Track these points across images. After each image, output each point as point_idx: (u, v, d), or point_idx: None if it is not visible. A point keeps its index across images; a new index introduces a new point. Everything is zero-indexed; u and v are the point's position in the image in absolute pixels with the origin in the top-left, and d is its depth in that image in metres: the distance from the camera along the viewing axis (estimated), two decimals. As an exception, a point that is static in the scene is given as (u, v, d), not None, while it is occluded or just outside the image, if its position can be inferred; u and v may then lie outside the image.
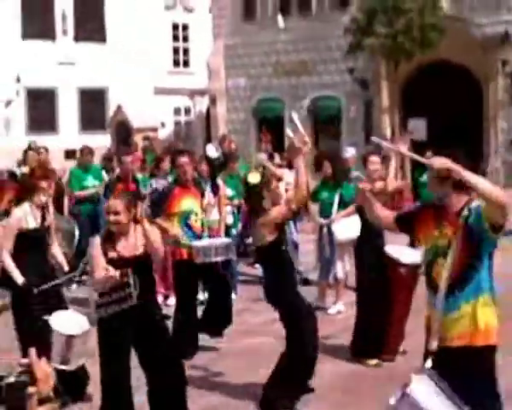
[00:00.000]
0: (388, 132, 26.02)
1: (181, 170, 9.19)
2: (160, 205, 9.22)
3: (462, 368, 4.70)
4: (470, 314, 4.70)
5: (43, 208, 7.39)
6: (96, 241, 6.12)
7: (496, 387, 4.79)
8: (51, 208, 7.65)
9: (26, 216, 7.21)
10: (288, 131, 5.70)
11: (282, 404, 6.97)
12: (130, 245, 6.11)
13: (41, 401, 1.35)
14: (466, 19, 26.12)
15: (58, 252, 7.64)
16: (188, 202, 9.00)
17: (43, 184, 7.36)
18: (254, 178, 7.46)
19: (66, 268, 7.54)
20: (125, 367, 6.17)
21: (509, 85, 26.62)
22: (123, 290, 6.01)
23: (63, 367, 6.77)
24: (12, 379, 1.39)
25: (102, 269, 5.85)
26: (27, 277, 7.10)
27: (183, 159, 9.36)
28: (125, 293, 6.01)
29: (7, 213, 11.39)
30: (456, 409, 4.48)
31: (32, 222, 7.24)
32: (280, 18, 30.49)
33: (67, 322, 6.70)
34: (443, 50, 25.25)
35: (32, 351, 1.42)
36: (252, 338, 9.00)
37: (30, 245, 7.23)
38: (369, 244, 8.44)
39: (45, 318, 6.76)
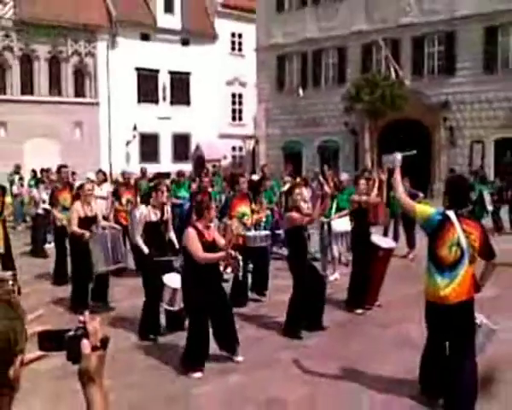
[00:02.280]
0: (369, 164, 25.86)
1: (240, 186, 9.23)
2: (225, 209, 9.32)
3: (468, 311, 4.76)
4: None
5: (162, 207, 7.29)
6: (191, 231, 5.97)
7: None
8: (168, 208, 7.50)
9: (149, 213, 7.14)
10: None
11: (295, 331, 7.02)
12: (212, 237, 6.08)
13: (93, 349, 1.32)
14: (421, 91, 25.90)
15: (173, 237, 7.48)
16: (242, 208, 8.97)
17: (160, 193, 7.25)
18: (284, 188, 7.49)
19: (177, 246, 7.42)
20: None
21: (448, 134, 26.33)
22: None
23: (170, 308, 6.86)
24: (72, 333, 1.34)
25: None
26: (150, 250, 7.02)
27: (242, 179, 9.52)
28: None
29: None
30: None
31: (154, 217, 7.16)
32: (300, 89, 30.47)
33: (174, 280, 6.72)
34: (406, 112, 25.08)
35: (87, 312, 1.37)
36: (280, 295, 9.00)
37: (152, 231, 7.12)
38: (360, 236, 8.35)
39: (161, 277, 6.83)
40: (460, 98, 25.84)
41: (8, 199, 9.77)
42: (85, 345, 1.31)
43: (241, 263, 6.06)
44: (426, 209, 4.99)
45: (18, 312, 1.13)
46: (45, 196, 13.84)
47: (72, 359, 1.34)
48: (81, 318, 1.35)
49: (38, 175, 16.59)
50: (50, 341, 1.32)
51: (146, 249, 7.04)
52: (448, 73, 26.30)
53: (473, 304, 4.80)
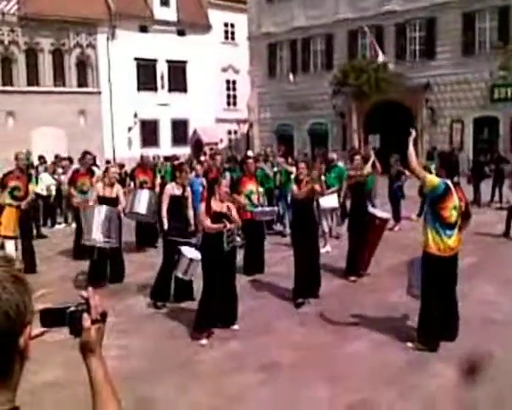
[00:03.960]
0: (356, 144, 25.89)
1: (249, 167, 9.44)
2: (232, 186, 9.44)
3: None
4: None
5: (183, 186, 7.49)
6: (202, 205, 6.20)
7: None
8: (188, 188, 7.66)
9: (173, 188, 7.42)
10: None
11: (301, 294, 7.16)
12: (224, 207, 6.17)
13: (92, 322, 1.32)
14: (403, 74, 25.83)
15: (190, 213, 7.58)
16: (250, 186, 9.16)
17: (183, 173, 7.52)
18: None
19: (192, 221, 7.59)
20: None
21: (430, 114, 26.33)
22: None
23: (183, 277, 6.92)
24: (73, 308, 1.34)
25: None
26: (171, 222, 7.27)
27: (250, 161, 9.79)
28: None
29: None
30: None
31: (177, 191, 7.41)
32: (291, 75, 30.31)
33: (190, 252, 6.81)
34: (390, 94, 25.05)
35: (90, 288, 1.37)
36: (275, 267, 9.09)
37: (174, 204, 7.36)
38: (358, 208, 8.43)
39: (178, 247, 6.93)
40: (440, 80, 25.79)
41: (32, 186, 9.72)
42: (86, 319, 1.32)
43: (231, 228, 6.13)
44: (434, 179, 5.49)
45: (26, 286, 1.14)
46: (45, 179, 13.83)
47: (75, 332, 1.34)
48: (84, 294, 1.36)
49: (48, 161, 16.53)
50: (52, 317, 1.32)
51: (166, 224, 7.33)
52: (429, 57, 26.21)
53: None
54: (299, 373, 5.13)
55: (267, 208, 9.38)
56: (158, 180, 11.92)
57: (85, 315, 1.33)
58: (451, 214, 5.36)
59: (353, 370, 5.16)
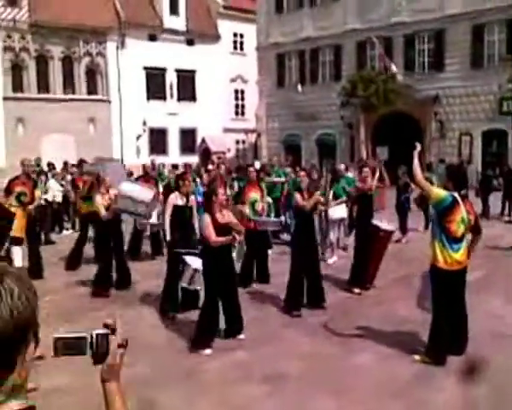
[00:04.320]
0: (364, 155, 25.85)
1: (250, 175, 9.40)
2: (238, 196, 9.43)
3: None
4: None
5: (187, 195, 7.44)
6: (207, 217, 6.03)
7: None
8: (192, 196, 7.58)
9: (176, 198, 7.34)
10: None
11: (294, 304, 7.17)
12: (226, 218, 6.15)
13: (119, 346, 1.30)
14: (412, 86, 25.82)
15: (195, 222, 7.54)
16: (254, 195, 9.09)
17: (187, 182, 7.47)
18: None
19: (198, 232, 7.48)
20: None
21: (438, 127, 26.28)
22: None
23: (188, 287, 6.88)
24: (99, 332, 1.30)
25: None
26: (175, 232, 7.21)
27: (251, 169, 9.72)
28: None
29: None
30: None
31: (180, 202, 7.35)
32: (299, 86, 30.37)
33: (194, 261, 6.74)
34: (398, 106, 25.05)
35: (116, 314, 1.35)
36: (282, 278, 9.08)
37: (178, 214, 7.29)
38: (363, 219, 8.40)
39: (183, 257, 6.90)
40: (449, 93, 25.76)
41: (38, 192, 9.78)
42: (113, 341, 1.29)
43: (237, 240, 6.13)
44: (440, 192, 5.47)
45: (32, 287, 1.11)
46: (52, 186, 13.91)
47: (97, 358, 1.29)
48: (109, 321, 1.32)
49: (57, 169, 16.63)
50: (67, 346, 1.26)
51: (169, 235, 7.29)
52: (438, 69, 26.20)
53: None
54: (305, 385, 5.09)
55: (271, 218, 9.29)
56: (160, 189, 11.79)
57: (113, 337, 1.30)
58: (459, 228, 5.29)
59: (359, 382, 5.12)
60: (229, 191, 9.85)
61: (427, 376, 5.19)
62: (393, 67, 25.04)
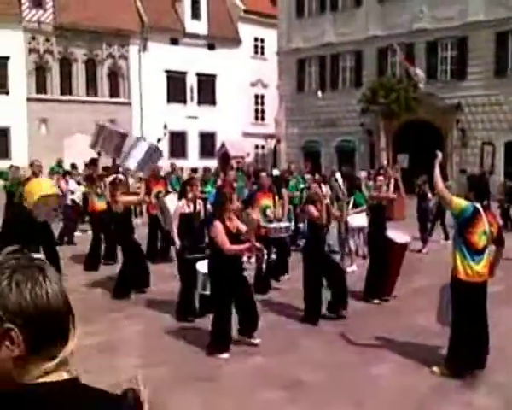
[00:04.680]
0: (384, 162, 25.71)
1: (262, 181, 9.29)
2: (249, 202, 9.36)
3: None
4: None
5: (195, 201, 7.37)
6: (218, 224, 5.92)
7: None
8: (200, 201, 7.54)
9: (184, 206, 7.24)
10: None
11: (313, 318, 7.11)
12: (235, 226, 6.10)
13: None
14: (434, 94, 25.63)
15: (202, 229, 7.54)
16: (265, 201, 9.01)
17: (194, 187, 7.39)
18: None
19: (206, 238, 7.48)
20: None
21: (460, 136, 26.04)
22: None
23: (204, 292, 6.89)
24: (130, 395, 1.19)
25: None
26: (183, 240, 7.14)
27: (263, 174, 9.57)
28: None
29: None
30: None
31: (187, 209, 7.27)
32: (319, 92, 30.35)
33: (204, 266, 6.71)
34: (419, 113, 24.89)
35: (139, 376, 1.26)
36: (300, 284, 9.06)
37: (185, 222, 7.22)
38: (377, 230, 8.34)
39: (193, 264, 6.93)
40: (471, 101, 25.50)
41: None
42: (144, 402, 1.22)
43: (265, 255, 6.11)
44: (461, 202, 5.37)
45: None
46: (74, 187, 14.07)
47: None
48: (139, 388, 1.23)
49: (79, 170, 16.85)
50: None
51: (178, 243, 7.18)
52: (460, 77, 25.96)
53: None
54: (322, 393, 5.10)
55: (282, 224, 9.18)
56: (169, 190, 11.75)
57: (144, 400, 1.22)
58: (480, 239, 5.23)
59: (377, 393, 5.11)
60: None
61: (446, 389, 5.15)
62: (419, 72, 24.76)
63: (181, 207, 7.24)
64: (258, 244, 5.98)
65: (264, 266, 7.67)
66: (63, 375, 1.14)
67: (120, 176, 9.07)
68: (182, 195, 7.48)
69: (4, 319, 1.08)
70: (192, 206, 7.30)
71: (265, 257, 9.02)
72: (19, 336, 1.08)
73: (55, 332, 1.12)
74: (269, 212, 8.93)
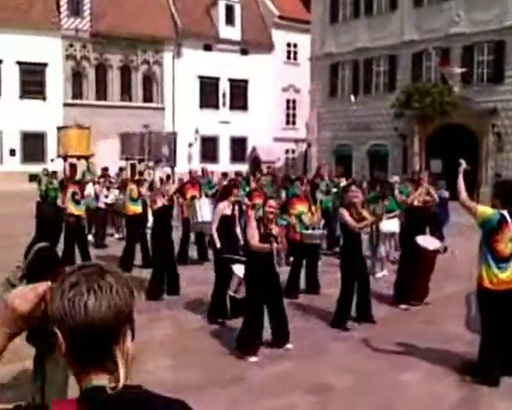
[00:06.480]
0: (417, 167, 25.35)
1: (298, 189, 9.50)
2: (285, 207, 9.39)
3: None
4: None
5: (234, 205, 7.49)
6: (254, 222, 6.08)
7: None
8: (236, 206, 7.67)
9: (225, 208, 7.36)
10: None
11: (342, 323, 7.05)
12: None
13: None
14: (470, 98, 25.17)
15: (238, 232, 7.66)
16: (301, 207, 9.06)
17: (235, 191, 7.56)
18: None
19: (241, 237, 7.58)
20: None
21: (496, 140, 25.48)
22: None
23: (235, 296, 6.92)
24: None
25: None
26: (222, 241, 7.22)
27: (297, 183, 9.78)
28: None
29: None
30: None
31: (228, 211, 7.38)
32: (352, 96, 30.17)
33: (241, 270, 6.62)
34: (454, 117, 24.46)
35: None
36: (330, 289, 9.00)
37: (225, 224, 7.31)
38: (409, 234, 8.20)
39: (230, 265, 6.95)
40: (508, 105, 24.93)
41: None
42: None
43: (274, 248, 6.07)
44: (486, 210, 5.25)
45: (130, 287, 1.18)
46: (106, 191, 14.32)
47: None
48: None
49: (112, 173, 17.15)
50: None
51: (218, 244, 7.26)
52: (497, 81, 25.42)
53: None
54: (350, 398, 5.06)
55: (317, 231, 9.15)
56: (202, 195, 11.87)
57: None
58: (506, 247, 5.11)
59: (405, 399, 5.05)
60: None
61: (477, 397, 5.05)
62: (457, 70, 24.32)
63: (222, 209, 7.35)
64: (275, 245, 5.96)
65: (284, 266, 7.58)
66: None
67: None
68: (224, 197, 7.58)
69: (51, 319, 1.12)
70: (231, 208, 7.42)
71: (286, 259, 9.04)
72: (60, 339, 1.10)
73: (91, 347, 1.10)
74: (304, 218, 8.94)
